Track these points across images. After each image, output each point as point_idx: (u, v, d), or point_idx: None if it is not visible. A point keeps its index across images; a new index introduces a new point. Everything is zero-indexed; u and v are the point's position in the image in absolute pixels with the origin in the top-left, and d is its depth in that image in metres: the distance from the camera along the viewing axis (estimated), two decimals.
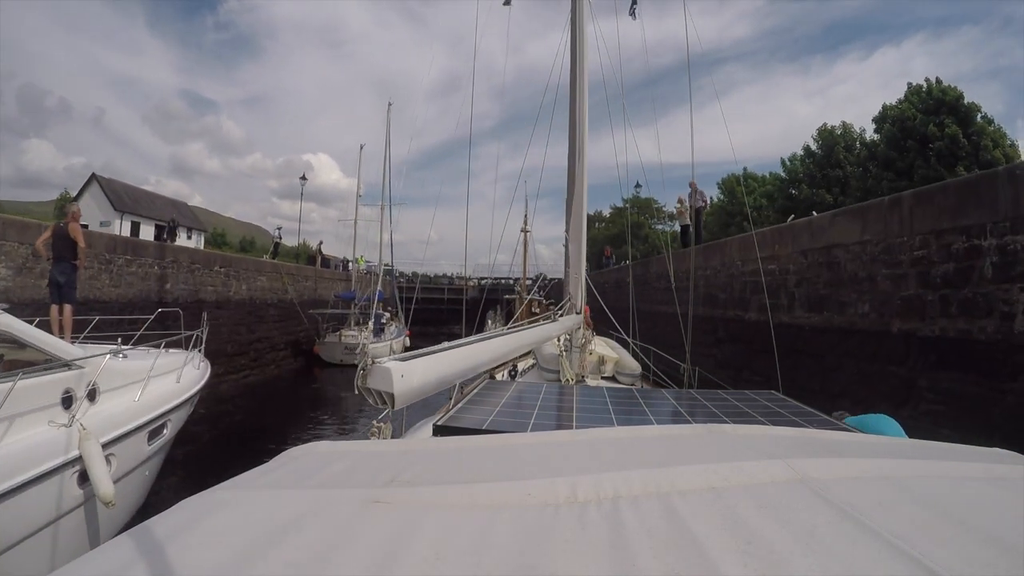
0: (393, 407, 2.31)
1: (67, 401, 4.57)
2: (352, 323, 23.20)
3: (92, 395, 4.89)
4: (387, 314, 23.28)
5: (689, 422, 3.07)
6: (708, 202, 16.15)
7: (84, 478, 4.37)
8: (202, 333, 7.92)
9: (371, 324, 22.50)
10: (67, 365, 4.67)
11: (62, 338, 6.08)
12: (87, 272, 10.85)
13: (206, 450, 9.86)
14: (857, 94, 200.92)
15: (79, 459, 4.34)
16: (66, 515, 4.32)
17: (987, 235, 5.73)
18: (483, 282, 35.01)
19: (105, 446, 4.65)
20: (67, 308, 7.93)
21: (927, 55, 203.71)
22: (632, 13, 9.52)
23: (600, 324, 8.87)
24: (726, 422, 2.96)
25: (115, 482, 4.61)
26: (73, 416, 4.51)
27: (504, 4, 8.40)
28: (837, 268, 8.00)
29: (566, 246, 7.27)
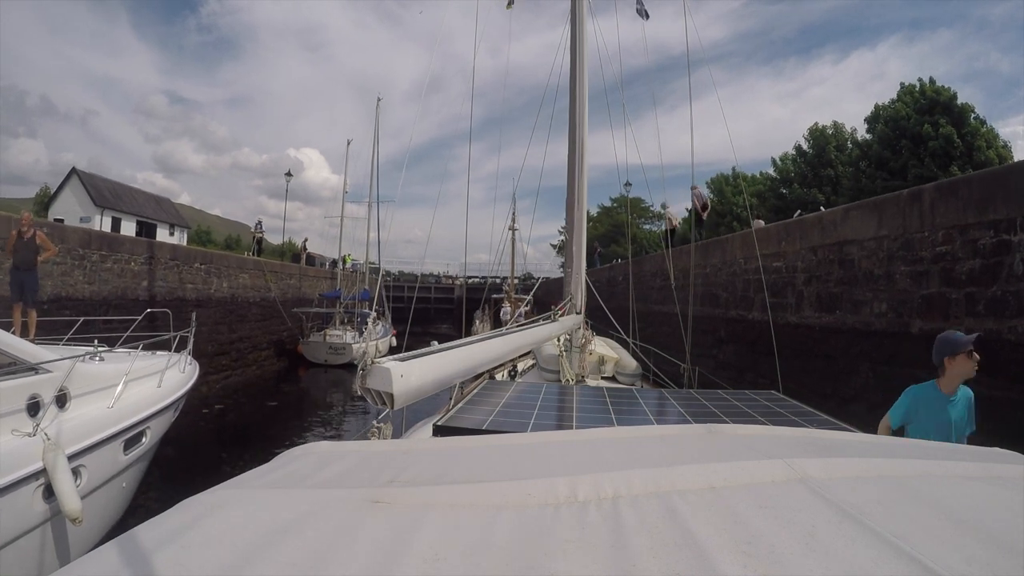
0: (393, 407, 2.31)
1: (33, 408, 4.19)
2: (337, 322, 22.85)
3: (62, 401, 4.47)
4: (373, 313, 22.94)
5: (689, 422, 3.08)
6: (709, 203, 16.31)
7: (50, 492, 4.01)
8: (189, 333, 7.49)
9: (356, 323, 22.06)
10: (33, 369, 4.26)
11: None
12: (59, 268, 10.34)
13: (185, 456, 9.37)
14: (832, 96, 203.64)
15: (44, 471, 3.96)
16: (30, 532, 3.97)
17: (1017, 229, 5.49)
18: (470, 281, 34.95)
19: (74, 457, 4.31)
20: (32, 310, 8.13)
21: (901, 58, 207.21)
22: (640, 12, 9.31)
23: (599, 324, 8.61)
24: (726, 422, 2.97)
25: (85, 496, 4.32)
26: (38, 424, 4.10)
27: (507, 7, 8.59)
28: (850, 265, 7.75)
29: (566, 245, 7.02)
